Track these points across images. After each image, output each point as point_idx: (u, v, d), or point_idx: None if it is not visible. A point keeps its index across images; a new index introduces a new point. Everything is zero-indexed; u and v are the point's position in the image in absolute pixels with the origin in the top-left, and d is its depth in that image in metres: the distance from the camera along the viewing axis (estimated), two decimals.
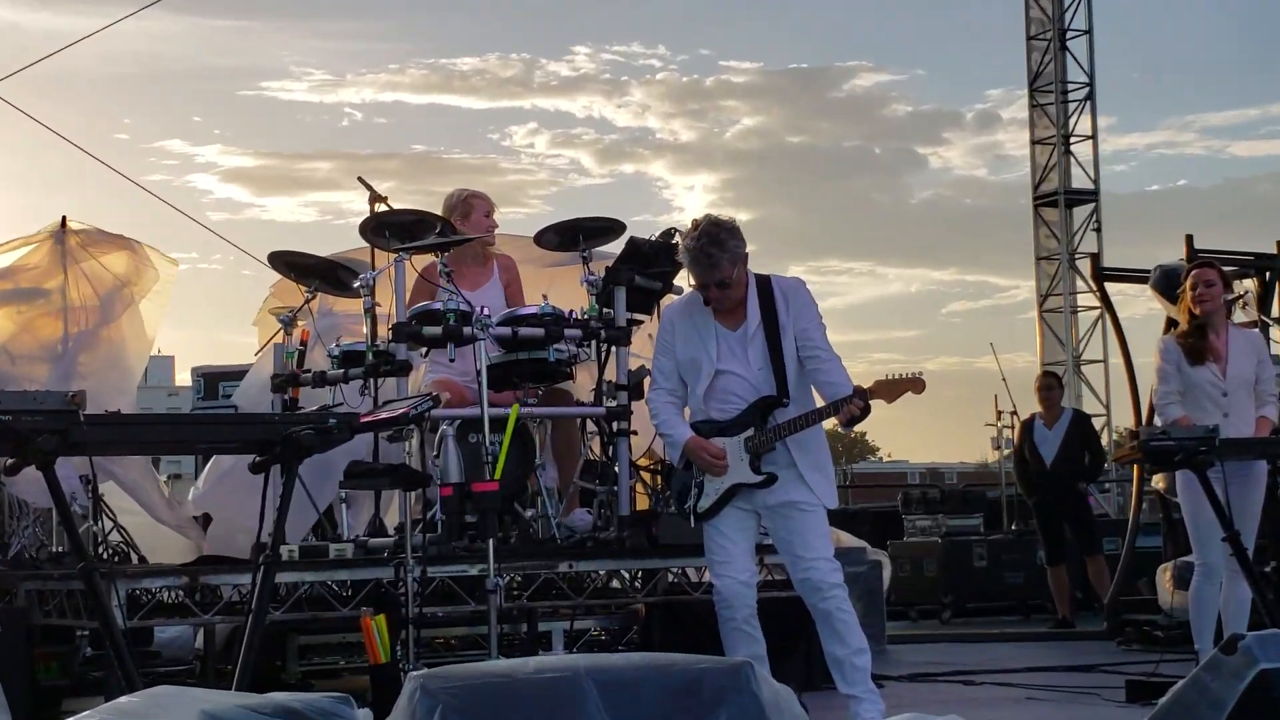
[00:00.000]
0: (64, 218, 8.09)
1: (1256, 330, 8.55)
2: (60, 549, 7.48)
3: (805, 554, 5.72)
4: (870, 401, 5.62)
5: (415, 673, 3.28)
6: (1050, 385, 12.27)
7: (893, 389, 5.70)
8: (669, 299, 8.16)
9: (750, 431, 5.73)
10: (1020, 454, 12.07)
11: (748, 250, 5.81)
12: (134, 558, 7.60)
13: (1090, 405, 24.22)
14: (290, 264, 7.67)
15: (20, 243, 8.13)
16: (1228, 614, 7.09)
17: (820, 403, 5.75)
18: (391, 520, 7.30)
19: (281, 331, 7.55)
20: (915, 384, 5.71)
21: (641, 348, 8.64)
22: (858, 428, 5.98)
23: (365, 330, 7.11)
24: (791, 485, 5.74)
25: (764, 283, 5.84)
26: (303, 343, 7.55)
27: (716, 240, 5.69)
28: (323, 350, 7.56)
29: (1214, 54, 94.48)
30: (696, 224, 5.76)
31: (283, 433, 4.57)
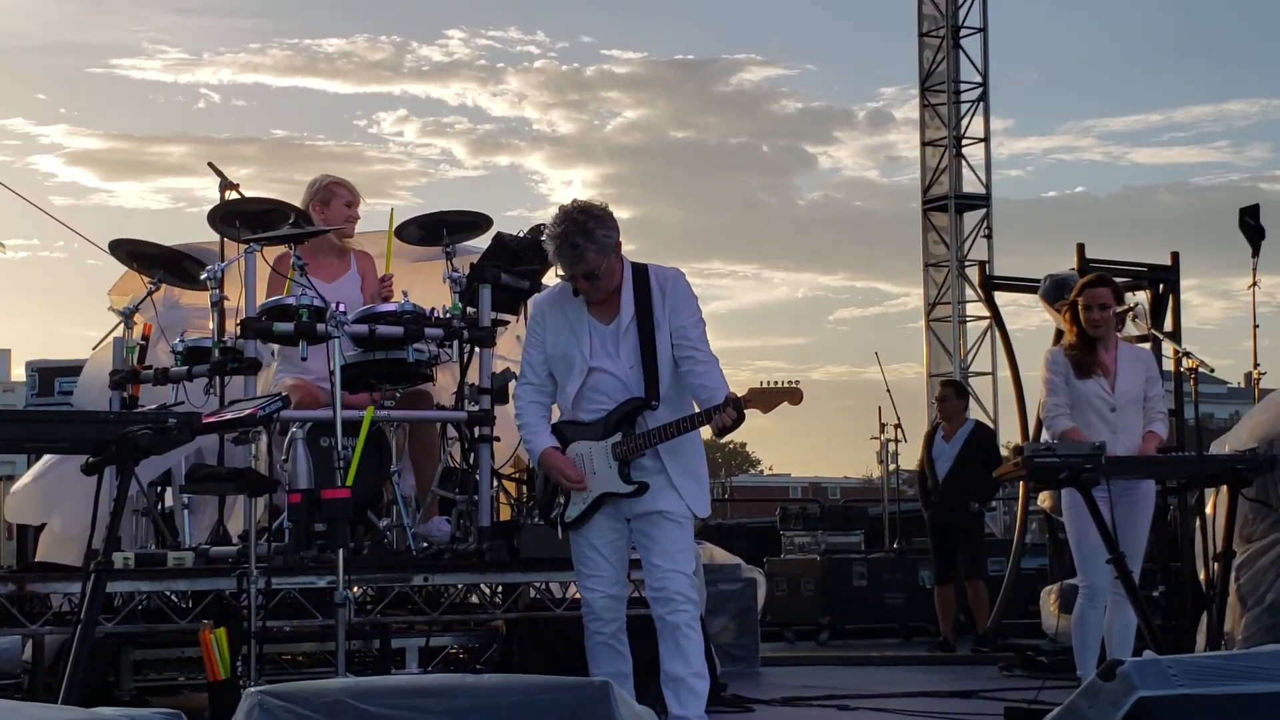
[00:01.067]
0: None
1: (1146, 346, 8.71)
2: None
3: (662, 563, 5.67)
4: (745, 411, 5.59)
5: (254, 689, 3.26)
6: (946, 396, 12.21)
7: (769, 398, 5.69)
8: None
9: (618, 436, 5.67)
10: (921, 466, 12.11)
11: (620, 241, 5.73)
12: None
13: (978, 418, 24.54)
14: (133, 253, 7.58)
15: None
16: (1112, 639, 7.22)
17: (695, 408, 5.70)
18: (236, 528, 7.22)
19: (122, 325, 7.45)
20: (792, 394, 5.71)
21: (508, 349, 8.64)
22: (737, 438, 6.13)
23: (211, 325, 7.03)
24: (661, 493, 5.69)
25: (640, 273, 5.75)
26: (144, 337, 7.47)
27: (583, 229, 5.59)
28: (166, 345, 7.48)
29: (1116, 57, 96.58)
30: (564, 210, 5.66)
31: (119, 432, 4.53)
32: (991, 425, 24.23)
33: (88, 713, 2.89)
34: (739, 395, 5.62)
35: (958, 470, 11.71)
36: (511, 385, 7.64)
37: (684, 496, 5.71)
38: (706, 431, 5.81)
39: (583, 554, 5.79)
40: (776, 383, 5.67)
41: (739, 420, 5.59)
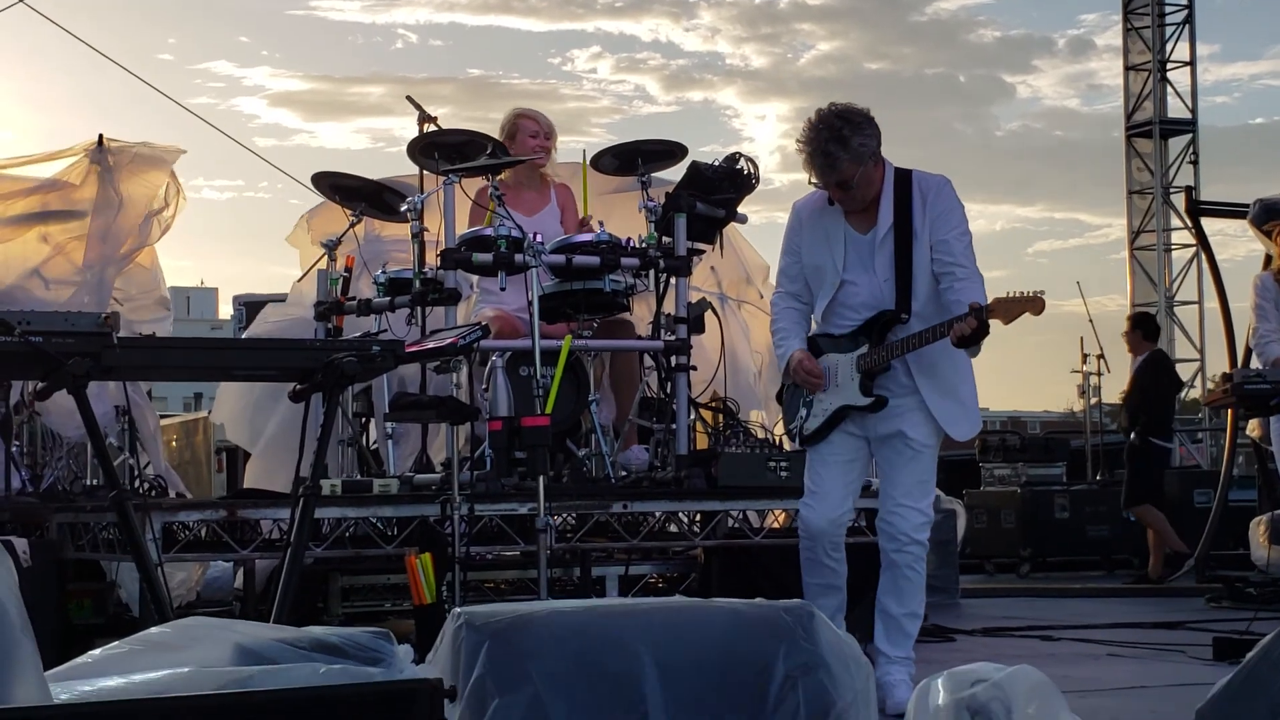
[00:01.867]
0: (100, 135, 8.13)
1: None
2: (94, 482, 7.58)
3: (896, 495, 5.50)
4: (988, 320, 5.26)
5: (459, 609, 3.29)
6: (1128, 329, 12.21)
7: (1010, 308, 5.40)
8: (733, 230, 8.16)
9: (864, 348, 5.46)
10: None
11: (880, 147, 5.42)
12: (171, 492, 7.69)
13: (1183, 349, 24.01)
14: (335, 186, 7.71)
15: (51, 156, 8.17)
16: None
17: None
18: (438, 456, 7.34)
19: (325, 257, 7.59)
20: (1034, 303, 5.40)
21: (703, 279, 8.65)
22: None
23: (412, 256, 7.13)
24: (906, 415, 5.47)
25: (903, 179, 5.46)
26: (347, 269, 7.59)
27: (838, 136, 5.30)
28: (369, 278, 7.61)
29: None
30: (819, 114, 5.36)
31: (325, 360, 4.59)
32: (1199, 357, 23.75)
33: (299, 631, 2.94)
34: (981, 304, 5.31)
35: (1129, 400, 11.89)
36: (707, 315, 7.68)
37: (936, 417, 5.47)
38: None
39: (814, 470, 5.62)
40: (1020, 292, 5.40)
41: (980, 331, 5.26)
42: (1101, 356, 15.83)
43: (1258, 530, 10.14)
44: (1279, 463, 7.20)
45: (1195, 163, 24.75)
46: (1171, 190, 24.52)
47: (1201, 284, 23.78)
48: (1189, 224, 14.61)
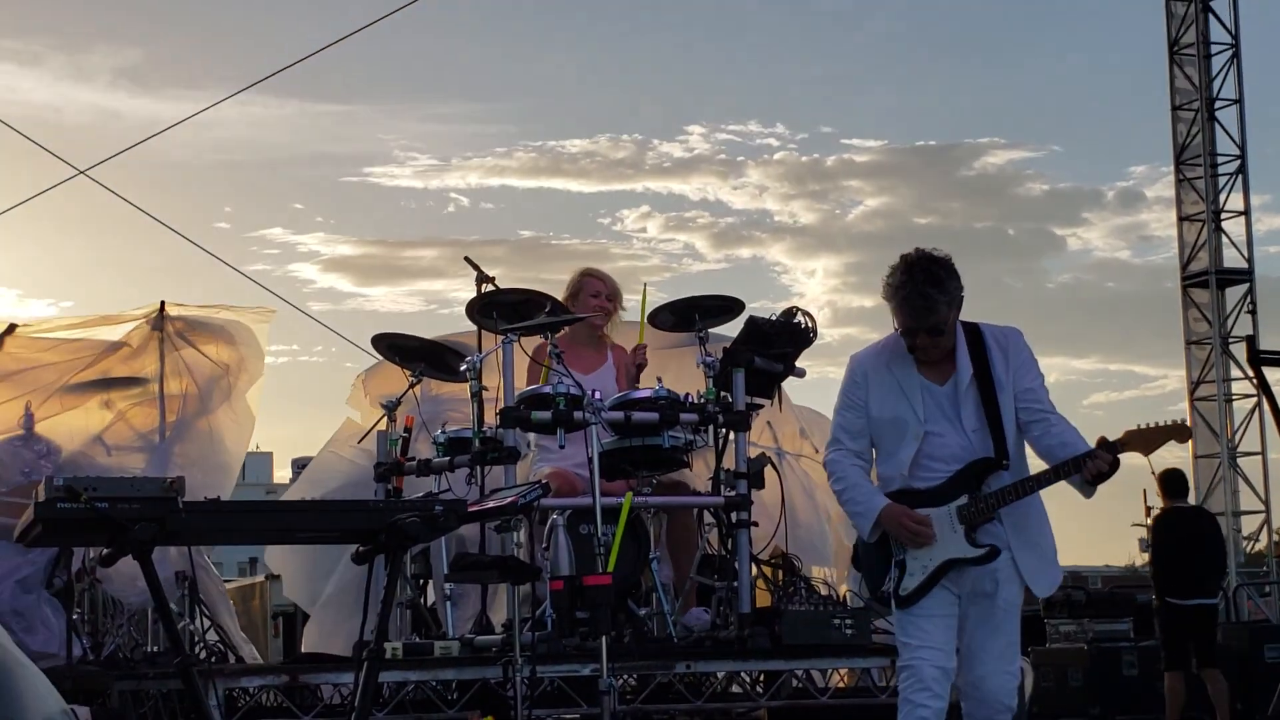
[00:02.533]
0: (162, 302, 8.27)
1: None
2: (155, 649, 7.59)
3: (989, 658, 5.24)
4: (1120, 455, 5.10)
5: None
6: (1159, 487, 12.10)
7: (1150, 439, 5.16)
8: (790, 382, 8.19)
9: (964, 499, 5.23)
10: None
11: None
12: (231, 657, 7.69)
13: (1248, 501, 23.78)
14: (394, 347, 7.80)
15: (112, 320, 8.30)
16: None
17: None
18: (499, 617, 7.33)
19: (385, 418, 7.65)
20: (1179, 431, 5.19)
21: (758, 434, 8.66)
22: None
23: (471, 415, 7.18)
24: (1002, 569, 5.23)
25: (973, 331, 5.34)
26: (406, 429, 7.65)
27: (934, 279, 5.19)
28: (427, 438, 7.66)
29: None
30: (907, 259, 5.24)
31: (387, 520, 4.61)
32: (1264, 508, 23.49)
33: None
34: (1112, 439, 5.17)
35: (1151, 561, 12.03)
36: (766, 470, 7.67)
37: (1022, 570, 5.26)
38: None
39: (916, 626, 5.25)
40: (1156, 423, 5.22)
41: (1114, 467, 5.12)
42: None
43: None
44: None
45: (1254, 312, 24.69)
46: (1230, 340, 24.44)
47: (1264, 434, 23.61)
48: (1250, 374, 14.58)
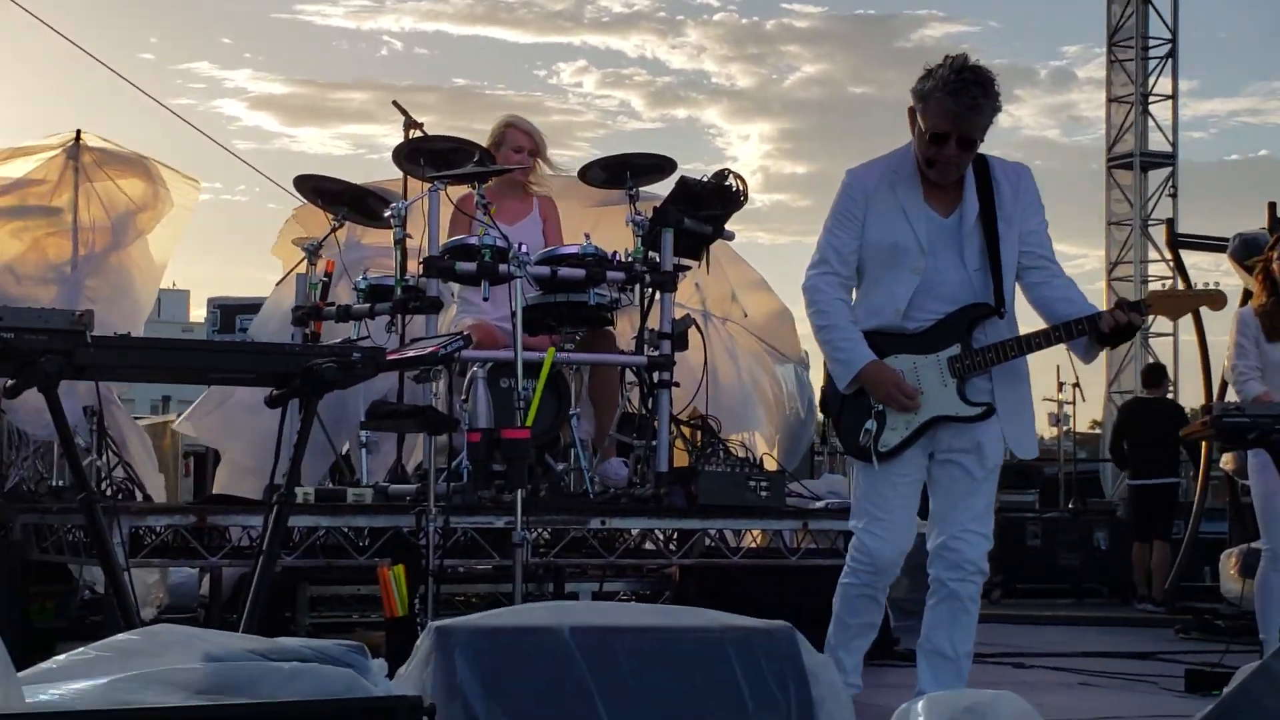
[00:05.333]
0: (78, 131, 8.01)
1: None
2: (61, 483, 7.45)
3: (965, 519, 4.84)
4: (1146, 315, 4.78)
5: (434, 622, 3.20)
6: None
7: (1178, 303, 4.91)
8: (719, 246, 8.08)
9: (955, 349, 4.77)
10: None
11: None
12: (138, 495, 7.57)
13: (1142, 372, 24.10)
14: (318, 189, 7.60)
15: (28, 151, 8.04)
16: None
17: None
18: (414, 466, 7.24)
19: (305, 261, 7.49)
20: (1213, 298, 4.90)
21: (688, 296, 8.56)
22: None
23: (394, 263, 7.03)
24: (986, 430, 4.80)
25: (981, 163, 4.83)
26: (327, 274, 7.48)
27: (984, 82, 4.68)
28: (348, 283, 7.51)
29: None
30: (952, 59, 4.70)
31: (303, 365, 4.49)
32: (1172, 390, 23.78)
33: (271, 642, 2.85)
34: (1139, 300, 4.84)
35: None
36: (690, 331, 7.59)
37: (1008, 437, 4.86)
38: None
39: (880, 493, 4.85)
40: (1188, 288, 4.98)
41: (1133, 330, 4.77)
42: (1076, 385, 15.86)
43: (1228, 563, 10.12)
44: (1254, 496, 7.12)
45: (1175, 195, 24.86)
46: (1150, 222, 24.60)
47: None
48: (1168, 256, 14.62)
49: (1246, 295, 8.33)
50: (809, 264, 4.93)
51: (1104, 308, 4.86)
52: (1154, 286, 24.62)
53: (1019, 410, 4.88)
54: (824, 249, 4.88)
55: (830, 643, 4.98)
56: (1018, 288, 4.93)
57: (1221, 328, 7.46)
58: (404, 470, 7.10)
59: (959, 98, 4.64)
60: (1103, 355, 12.81)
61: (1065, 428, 17.40)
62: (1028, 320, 4.97)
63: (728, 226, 7.60)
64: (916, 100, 4.75)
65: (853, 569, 4.95)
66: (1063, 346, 4.89)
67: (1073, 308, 4.79)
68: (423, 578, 5.74)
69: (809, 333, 5.27)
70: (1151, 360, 24.56)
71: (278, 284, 8.35)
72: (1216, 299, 4.93)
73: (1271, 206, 10.60)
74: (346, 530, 6.59)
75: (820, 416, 10.10)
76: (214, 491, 8.01)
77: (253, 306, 9.23)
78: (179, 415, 10.02)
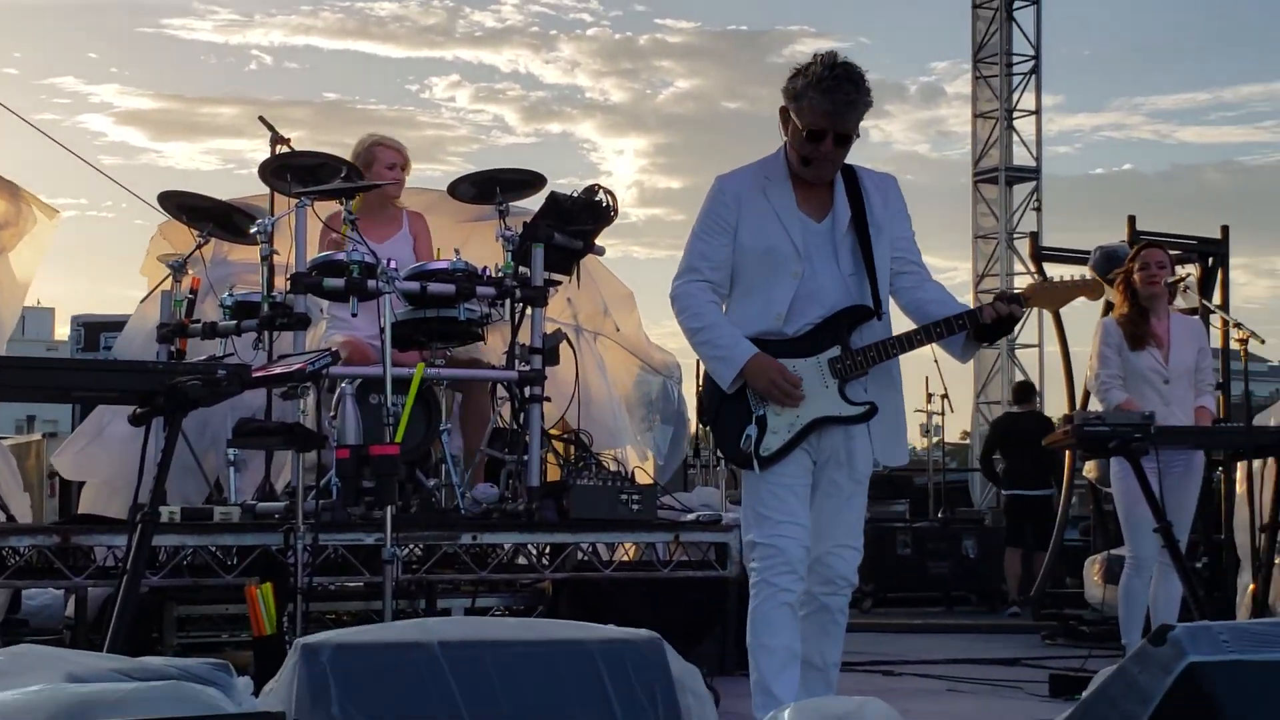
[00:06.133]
0: None
1: (1197, 318, 8.61)
2: None
3: (838, 533, 4.77)
4: (1025, 308, 4.74)
5: (301, 640, 3.20)
6: None
7: (1057, 294, 4.84)
8: (591, 261, 8.11)
9: (835, 350, 4.70)
10: None
11: None
12: (2, 515, 7.44)
13: (1012, 389, 24.47)
14: (182, 205, 7.52)
15: None
16: (1157, 609, 7.14)
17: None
18: (282, 484, 7.19)
19: (170, 278, 7.41)
20: (1091, 288, 4.86)
21: (559, 310, 8.59)
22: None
23: (261, 279, 6.98)
24: (858, 437, 4.75)
25: (850, 172, 4.81)
26: (192, 291, 7.41)
27: (855, 79, 4.63)
28: (214, 300, 7.44)
29: (1166, 36, 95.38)
30: (823, 56, 4.65)
31: (167, 383, 4.47)
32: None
33: (134, 661, 2.84)
34: (1017, 291, 4.79)
35: None
36: (561, 346, 7.61)
37: (876, 442, 4.78)
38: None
39: (774, 495, 4.70)
40: (1066, 278, 4.87)
41: (1013, 319, 4.72)
42: (945, 396, 16.07)
43: (1092, 569, 10.31)
44: (1116, 504, 7.27)
45: (1039, 209, 25.29)
46: (1015, 236, 25.00)
47: (1042, 328, 24.24)
48: (1032, 269, 14.88)
49: (1108, 306, 8.51)
50: (676, 273, 4.83)
51: (1094, 281, 4.89)
52: None
53: (893, 418, 4.82)
54: (693, 256, 4.79)
55: (760, 682, 4.70)
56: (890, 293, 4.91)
57: (1086, 337, 7.62)
58: (272, 488, 7.05)
59: (834, 94, 4.61)
60: (970, 367, 13.19)
61: (936, 439, 17.63)
62: (902, 326, 4.93)
63: (598, 241, 7.63)
64: (789, 100, 4.70)
65: (764, 578, 4.70)
66: (934, 356, 4.96)
67: (947, 309, 4.77)
68: (291, 596, 5.71)
69: (684, 347, 5.21)
70: (1019, 371, 24.98)
71: (142, 301, 8.26)
72: (1094, 288, 4.90)
73: (1131, 220, 10.83)
74: (214, 549, 6.53)
75: (692, 430, 10.19)
76: (80, 511, 7.90)
77: (118, 324, 9.10)
78: (43, 435, 9.87)
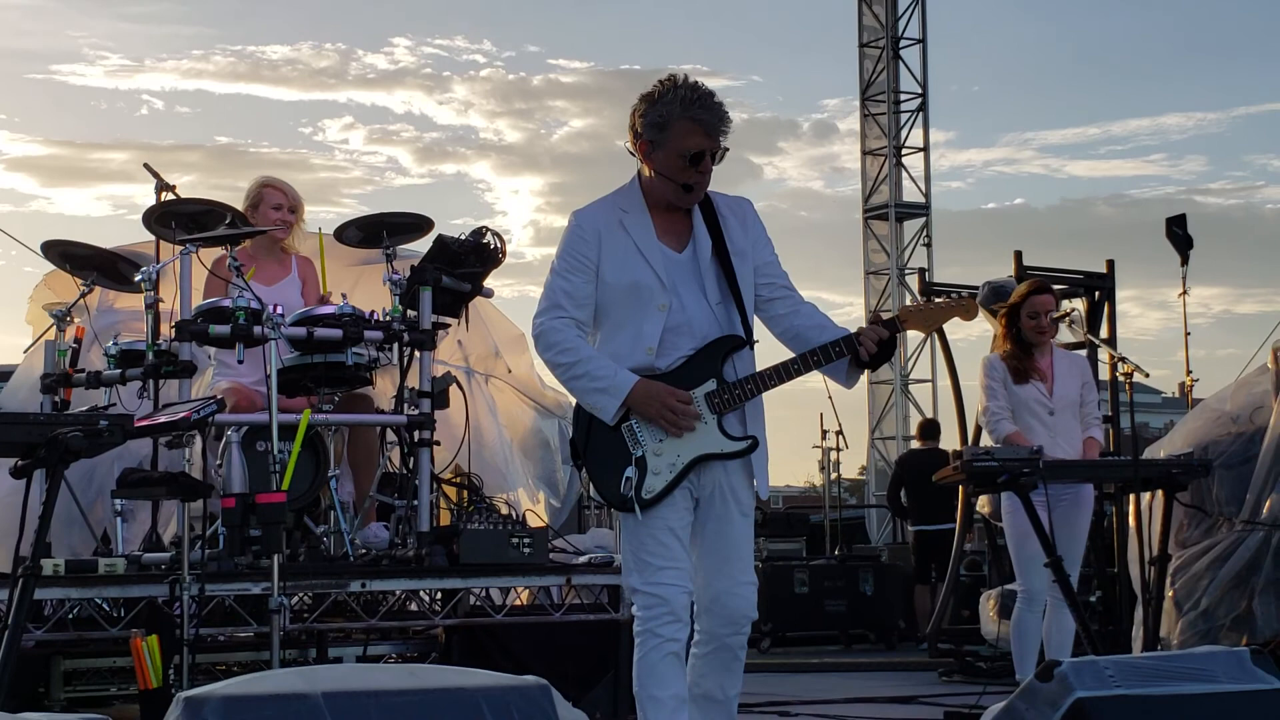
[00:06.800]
0: None
1: (1081, 352, 8.75)
2: None
3: (734, 571, 4.64)
4: (899, 333, 4.67)
5: (183, 693, 3.18)
6: None
7: (930, 316, 4.77)
8: (482, 303, 8.12)
9: (711, 384, 4.59)
10: None
11: None
12: None
13: (917, 426, 24.63)
14: (66, 254, 7.46)
15: None
16: (1050, 643, 7.22)
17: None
18: (169, 534, 7.13)
19: (54, 328, 7.34)
20: (964, 309, 4.78)
21: (448, 354, 8.58)
22: None
23: (146, 328, 6.93)
24: (739, 471, 4.66)
25: (705, 198, 4.72)
26: (77, 340, 7.34)
27: (714, 93, 4.60)
28: (99, 349, 7.38)
29: (1055, 71, 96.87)
30: (671, 80, 4.62)
31: (49, 434, 4.43)
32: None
33: (19, 717, 2.81)
34: (891, 316, 4.73)
35: None
36: (450, 389, 7.60)
37: (754, 482, 4.70)
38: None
39: (655, 539, 4.56)
40: (937, 300, 4.82)
41: (892, 346, 4.64)
42: (840, 433, 16.17)
43: (988, 605, 10.40)
44: (1007, 538, 7.36)
45: (929, 245, 25.57)
46: (906, 272, 25.27)
47: (935, 363, 24.50)
48: (922, 304, 15.09)
49: (997, 341, 8.63)
50: (537, 310, 4.70)
51: (967, 300, 4.83)
52: (911, 335, 25.29)
53: (763, 450, 4.70)
54: (555, 294, 4.64)
55: None
56: (760, 321, 4.83)
57: (976, 371, 7.72)
58: (159, 538, 6.98)
59: (710, 110, 4.56)
60: (865, 402, 13.29)
61: (833, 475, 17.73)
62: (777, 353, 4.89)
63: (487, 283, 7.65)
64: (654, 132, 4.61)
65: (649, 628, 4.56)
66: (827, 392, 4.95)
67: (826, 334, 4.67)
68: (178, 647, 5.66)
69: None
70: (913, 407, 25.20)
71: (26, 351, 8.17)
72: (968, 309, 4.80)
73: (1018, 255, 10.98)
74: (99, 601, 6.46)
75: None
76: None
77: (3, 375, 8.98)
78: None
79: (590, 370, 4.57)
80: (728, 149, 4.64)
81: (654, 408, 4.53)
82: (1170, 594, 8.09)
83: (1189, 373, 11.58)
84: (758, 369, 4.70)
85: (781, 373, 4.63)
